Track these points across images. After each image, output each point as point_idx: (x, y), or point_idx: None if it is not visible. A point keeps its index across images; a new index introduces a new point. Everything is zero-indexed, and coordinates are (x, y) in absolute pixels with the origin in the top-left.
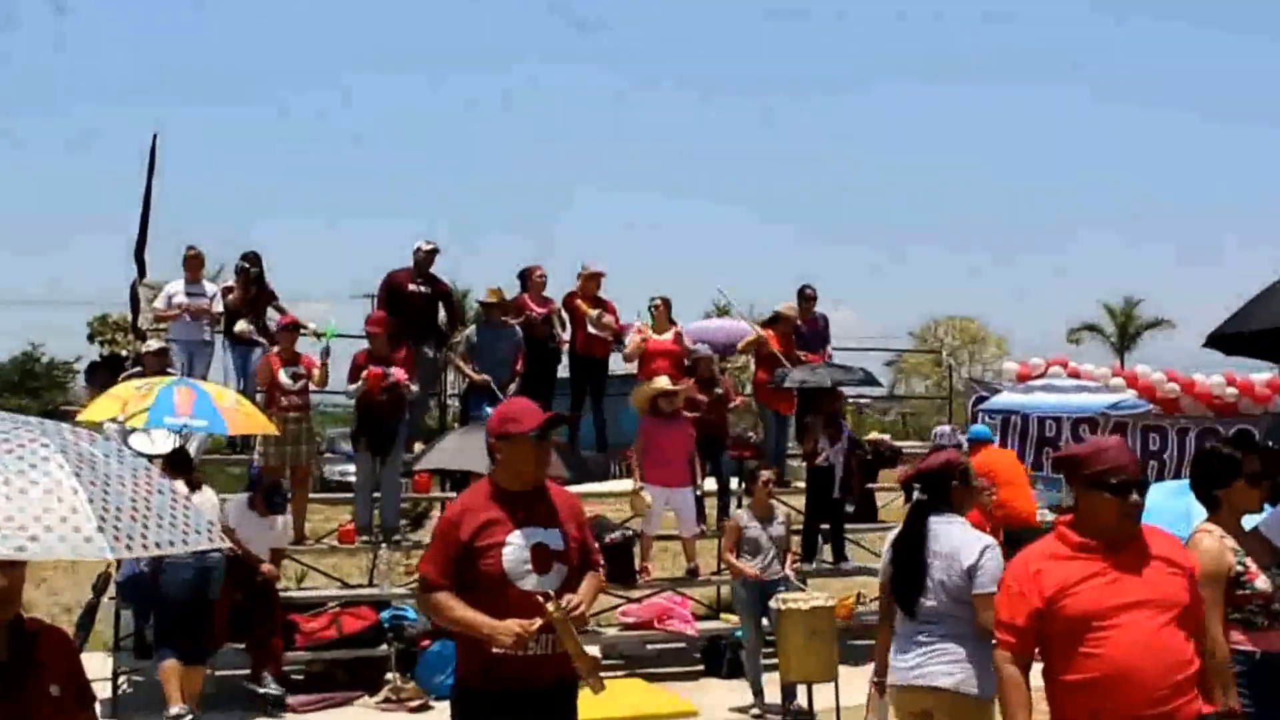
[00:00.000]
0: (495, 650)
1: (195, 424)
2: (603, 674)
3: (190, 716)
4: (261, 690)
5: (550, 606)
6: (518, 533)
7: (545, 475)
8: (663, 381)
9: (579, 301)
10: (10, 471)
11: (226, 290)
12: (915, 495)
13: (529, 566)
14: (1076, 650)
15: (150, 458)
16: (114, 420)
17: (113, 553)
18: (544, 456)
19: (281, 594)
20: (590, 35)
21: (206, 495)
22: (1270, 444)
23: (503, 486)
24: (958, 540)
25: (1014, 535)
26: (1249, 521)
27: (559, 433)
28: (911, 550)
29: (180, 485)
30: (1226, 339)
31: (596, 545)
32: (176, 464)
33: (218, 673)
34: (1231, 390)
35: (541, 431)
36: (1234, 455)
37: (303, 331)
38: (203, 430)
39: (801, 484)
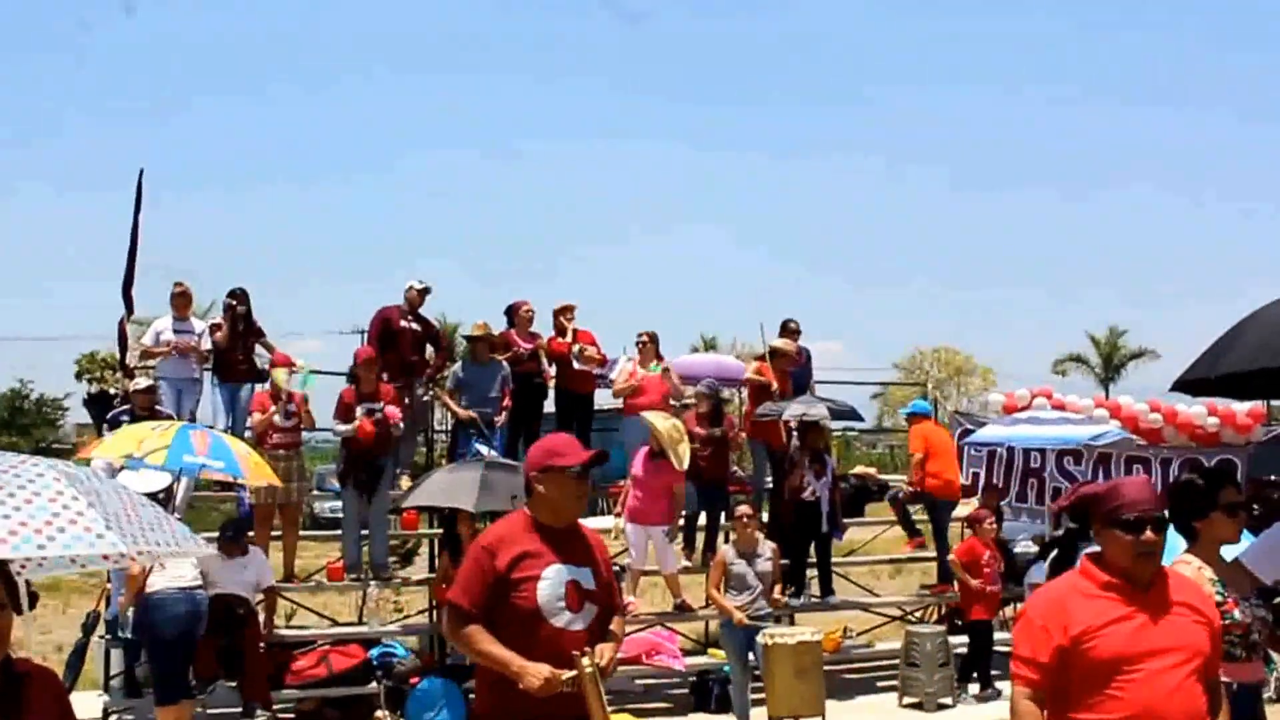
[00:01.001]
0: (520, 687)
1: (213, 465)
2: None
3: None
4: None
5: (585, 661)
6: (554, 568)
7: (581, 511)
8: (684, 447)
9: (559, 341)
10: (12, 486)
11: (214, 328)
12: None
13: (563, 603)
14: (1100, 691)
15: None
16: (128, 456)
17: (125, 546)
18: (583, 492)
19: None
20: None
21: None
22: (1253, 475)
23: (540, 521)
24: None
25: (938, 502)
26: (1230, 552)
27: None
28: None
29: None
30: (1193, 383)
31: (619, 587)
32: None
33: (209, 710)
34: (1213, 420)
35: (584, 468)
36: (1210, 486)
37: (287, 378)
38: (220, 472)
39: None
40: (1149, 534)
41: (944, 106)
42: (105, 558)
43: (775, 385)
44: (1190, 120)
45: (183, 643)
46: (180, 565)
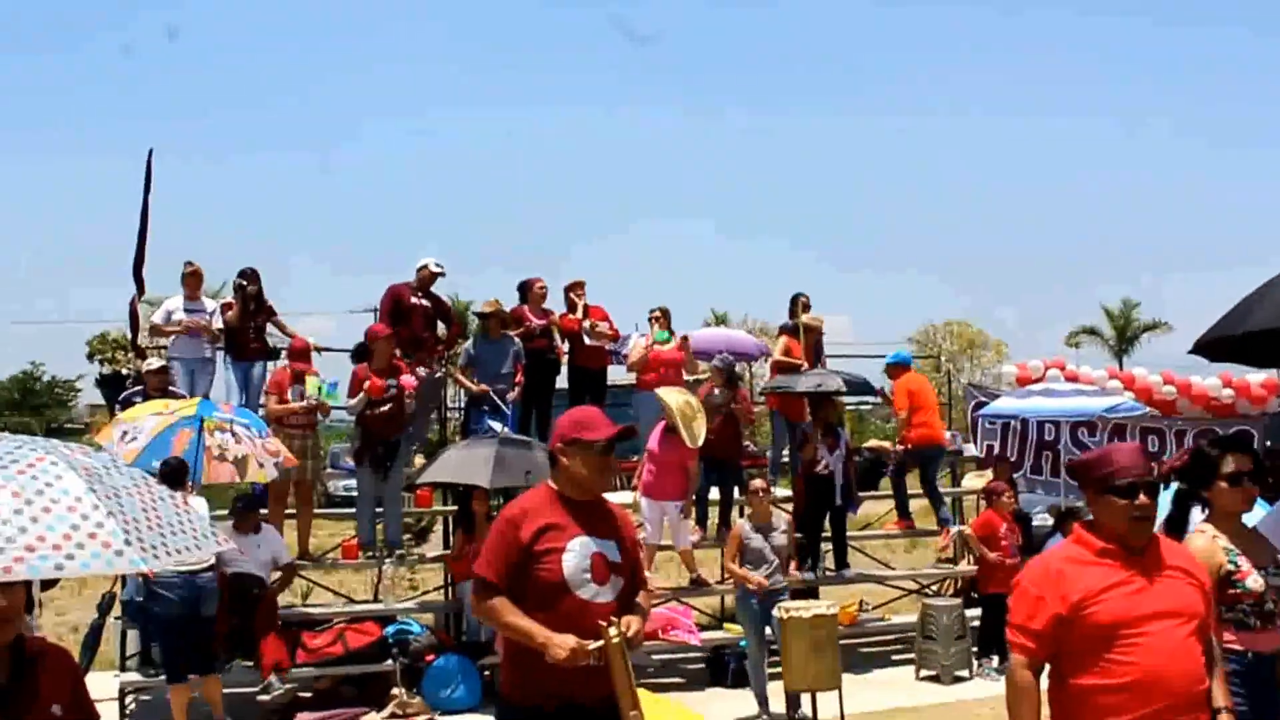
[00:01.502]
0: (547, 661)
1: (239, 420)
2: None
3: None
4: (267, 697)
5: (612, 632)
6: (579, 540)
7: (607, 486)
8: (699, 424)
9: (570, 317)
10: (29, 493)
11: (225, 307)
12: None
13: (588, 575)
14: (1101, 656)
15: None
16: (157, 414)
17: (144, 564)
18: (608, 467)
19: (285, 610)
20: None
21: (197, 504)
22: (1269, 444)
23: (564, 494)
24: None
25: (924, 453)
26: (1249, 521)
27: None
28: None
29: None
30: (1214, 344)
31: (643, 562)
32: (168, 477)
33: (225, 690)
34: (1228, 392)
35: (610, 442)
36: (1213, 455)
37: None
38: (248, 426)
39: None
40: (1143, 499)
41: (951, 82)
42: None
43: (805, 364)
44: (1204, 91)
45: (185, 623)
46: None
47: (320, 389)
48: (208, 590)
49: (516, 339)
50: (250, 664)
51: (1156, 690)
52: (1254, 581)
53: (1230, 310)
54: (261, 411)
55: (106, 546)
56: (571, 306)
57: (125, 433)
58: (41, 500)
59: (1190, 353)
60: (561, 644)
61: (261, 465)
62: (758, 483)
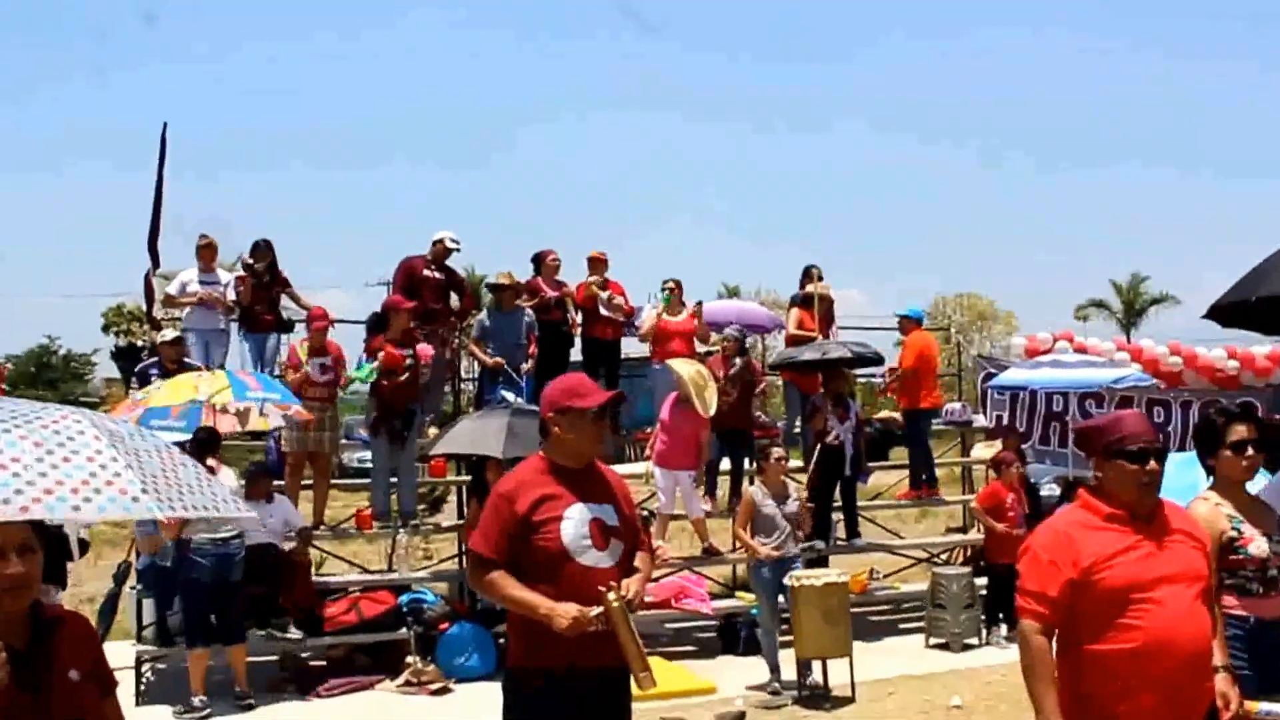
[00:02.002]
0: (553, 631)
1: (270, 397)
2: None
3: (208, 710)
4: (284, 636)
5: (611, 596)
6: (576, 507)
7: (600, 453)
8: (711, 393)
9: (587, 284)
10: (51, 444)
11: (240, 281)
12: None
13: (588, 542)
14: (1114, 621)
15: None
16: (191, 401)
17: (160, 511)
18: (601, 433)
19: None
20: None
21: (225, 476)
22: (1275, 416)
23: (557, 462)
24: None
25: (923, 413)
26: (1253, 489)
27: None
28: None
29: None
30: (1226, 310)
31: (643, 524)
32: (202, 444)
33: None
34: (1233, 363)
35: (602, 409)
36: (1218, 423)
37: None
38: (280, 402)
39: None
40: (1152, 464)
41: (961, 57)
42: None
43: (819, 335)
44: (1213, 66)
45: (215, 590)
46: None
47: (364, 371)
48: (237, 558)
49: (530, 311)
50: (263, 633)
51: (1167, 653)
52: (1256, 548)
53: (1244, 276)
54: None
55: (123, 493)
56: (595, 270)
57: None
58: (63, 451)
59: (1204, 318)
60: (564, 614)
61: (264, 414)
62: (777, 451)
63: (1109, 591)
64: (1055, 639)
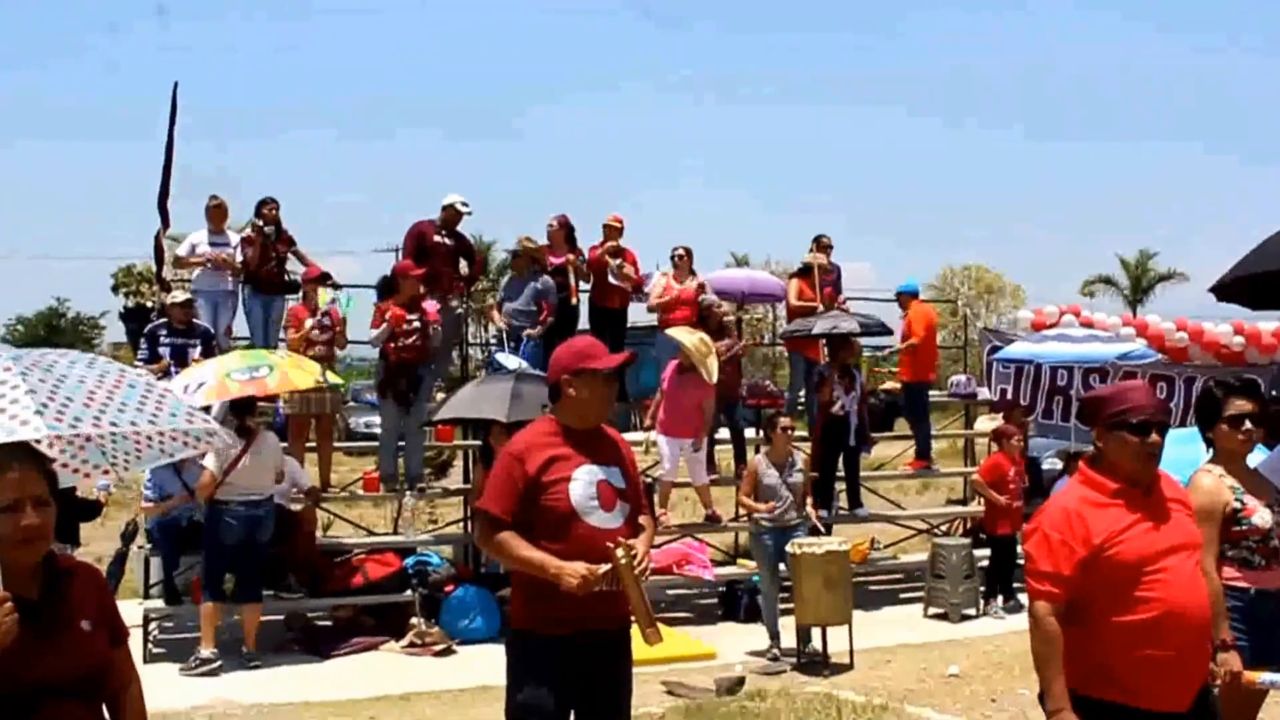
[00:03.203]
0: (565, 593)
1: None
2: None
3: (219, 663)
4: (291, 596)
5: (619, 553)
6: (584, 468)
7: (609, 416)
8: (714, 360)
9: (601, 251)
10: None
11: (246, 242)
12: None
13: (596, 502)
14: (1127, 595)
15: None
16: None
17: (50, 430)
18: (613, 396)
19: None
20: None
21: (270, 439)
22: (1275, 393)
23: (566, 424)
24: None
25: (924, 386)
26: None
27: None
28: None
29: (172, 383)
30: (1230, 285)
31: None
32: (236, 406)
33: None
34: (1239, 339)
35: (615, 371)
36: (1218, 397)
37: (330, 297)
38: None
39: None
40: (1155, 436)
41: (971, 32)
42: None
43: (820, 306)
44: (1234, 44)
45: (243, 550)
46: (250, 478)
47: (341, 302)
48: (266, 520)
49: (546, 277)
50: (270, 592)
51: (1177, 622)
52: (1260, 519)
53: (1256, 248)
54: (282, 346)
55: (12, 418)
56: (607, 243)
57: (186, 386)
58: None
59: (1210, 290)
60: (573, 572)
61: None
62: (784, 421)
63: (1121, 567)
64: (1073, 615)
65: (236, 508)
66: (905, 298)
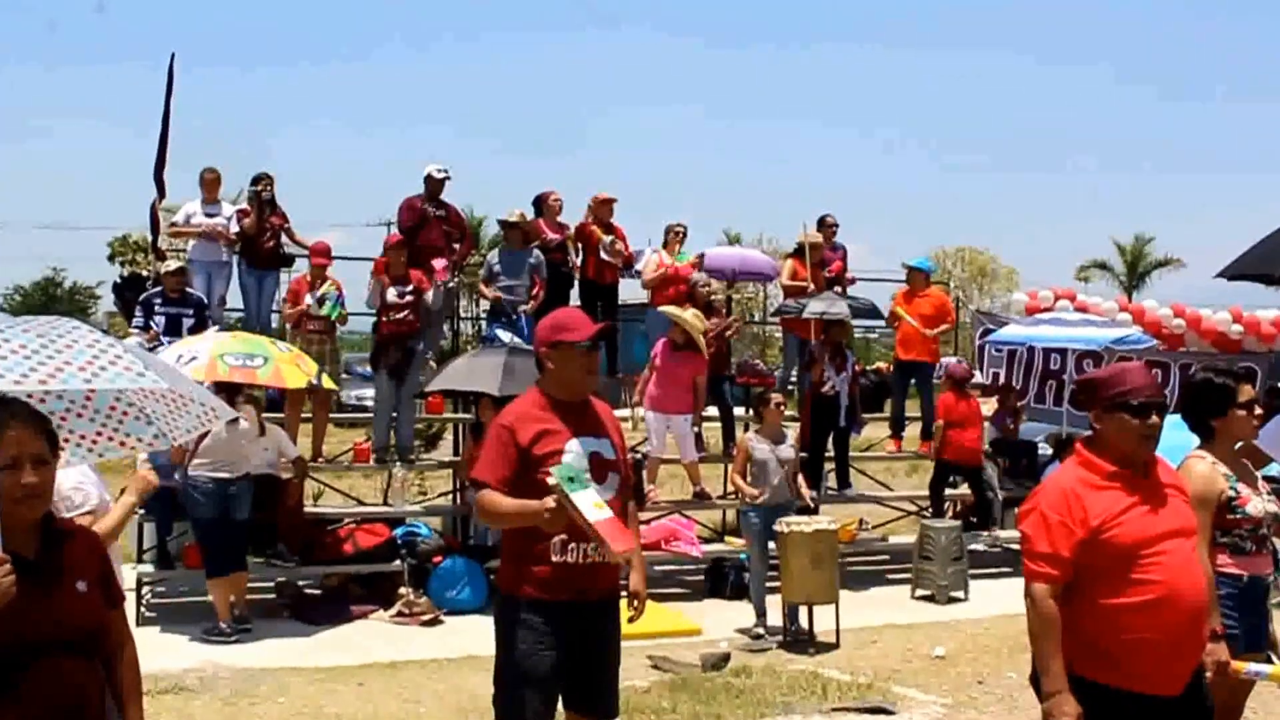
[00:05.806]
0: (555, 559)
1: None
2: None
3: (234, 634)
4: (281, 564)
5: (551, 482)
6: (575, 441)
7: (594, 386)
8: (700, 327)
9: (592, 227)
10: (51, 335)
11: (242, 214)
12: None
13: (587, 475)
14: (1125, 576)
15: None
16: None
17: (166, 384)
18: (594, 366)
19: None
20: None
21: (249, 419)
22: (1273, 382)
23: (554, 396)
24: None
25: (929, 367)
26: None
27: None
28: None
29: (166, 352)
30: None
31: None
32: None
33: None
34: (1237, 327)
35: (592, 341)
36: (1228, 384)
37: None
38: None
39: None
40: (1154, 418)
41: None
42: (152, 443)
43: (812, 285)
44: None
45: (218, 526)
46: (223, 454)
47: (327, 304)
48: (240, 496)
49: (538, 252)
50: (260, 559)
51: (1175, 605)
52: (1254, 507)
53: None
54: (276, 317)
55: (129, 369)
56: (599, 219)
57: (180, 356)
58: (63, 340)
59: (1218, 276)
60: (544, 507)
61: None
62: (776, 397)
63: (1119, 548)
64: (1069, 596)
65: (205, 484)
66: (916, 275)
